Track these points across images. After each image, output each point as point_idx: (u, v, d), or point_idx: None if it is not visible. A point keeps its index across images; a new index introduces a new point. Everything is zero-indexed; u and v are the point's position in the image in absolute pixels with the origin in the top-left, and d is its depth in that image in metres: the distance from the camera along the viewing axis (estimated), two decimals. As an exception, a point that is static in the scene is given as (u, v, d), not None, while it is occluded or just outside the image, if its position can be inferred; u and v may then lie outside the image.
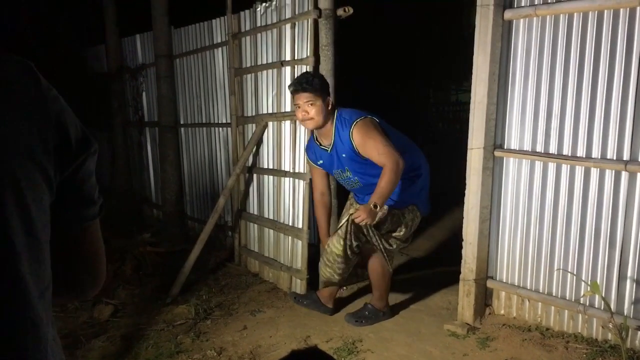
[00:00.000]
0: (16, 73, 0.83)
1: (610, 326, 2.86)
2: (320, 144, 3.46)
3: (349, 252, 3.43)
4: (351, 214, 3.33)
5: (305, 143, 3.89)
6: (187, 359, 3.32)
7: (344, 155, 3.34)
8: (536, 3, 3.12)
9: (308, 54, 3.95)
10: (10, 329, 0.78)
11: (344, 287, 4.28)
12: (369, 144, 3.23)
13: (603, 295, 2.96)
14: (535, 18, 3.15)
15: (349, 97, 4.48)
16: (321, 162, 3.51)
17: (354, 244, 3.43)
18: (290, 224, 4.31)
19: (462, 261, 3.54)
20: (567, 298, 3.24)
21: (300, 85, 3.31)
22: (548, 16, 3.10)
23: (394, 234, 3.54)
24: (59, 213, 0.87)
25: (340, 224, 3.48)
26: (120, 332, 3.74)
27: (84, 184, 0.91)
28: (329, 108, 3.33)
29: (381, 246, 3.49)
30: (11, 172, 0.77)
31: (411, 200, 3.51)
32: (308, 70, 3.92)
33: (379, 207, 3.17)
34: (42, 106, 0.84)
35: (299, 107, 3.33)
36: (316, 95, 3.28)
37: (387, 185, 3.14)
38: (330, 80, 3.93)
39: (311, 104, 3.29)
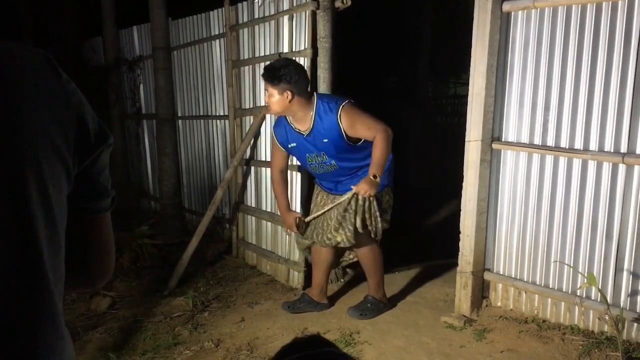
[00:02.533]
0: (38, 65, 0.84)
1: (607, 318, 2.87)
2: (294, 128, 3.47)
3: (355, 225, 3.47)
4: (354, 193, 3.39)
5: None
6: (185, 351, 3.32)
7: (325, 140, 3.37)
8: (535, -5, 3.12)
9: (306, 46, 3.94)
10: (33, 319, 0.80)
11: (342, 280, 4.29)
12: (358, 123, 3.31)
13: (600, 287, 2.97)
14: (533, 10, 3.14)
15: (349, 88, 4.45)
16: (293, 145, 3.52)
17: (358, 219, 3.46)
18: (287, 217, 4.31)
19: (460, 253, 3.55)
20: (564, 290, 3.25)
21: (263, 71, 3.39)
22: (546, 8, 3.09)
23: (383, 216, 3.60)
24: (74, 204, 0.88)
25: (338, 202, 3.49)
26: (118, 324, 3.75)
27: (99, 176, 0.93)
28: (290, 100, 3.30)
29: (379, 225, 3.52)
30: (36, 162, 0.79)
31: (387, 182, 3.58)
32: (306, 61, 3.91)
33: (378, 178, 3.28)
34: (63, 98, 0.85)
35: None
36: (273, 85, 3.30)
37: (382, 155, 3.29)
38: (328, 72, 3.93)
39: (269, 94, 3.35)
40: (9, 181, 0.76)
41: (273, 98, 3.33)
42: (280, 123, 3.56)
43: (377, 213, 3.49)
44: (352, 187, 3.39)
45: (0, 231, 0.76)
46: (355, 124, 3.32)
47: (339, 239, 3.52)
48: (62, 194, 0.84)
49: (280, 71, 3.28)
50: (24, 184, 0.77)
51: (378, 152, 3.30)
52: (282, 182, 3.71)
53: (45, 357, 0.81)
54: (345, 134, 3.33)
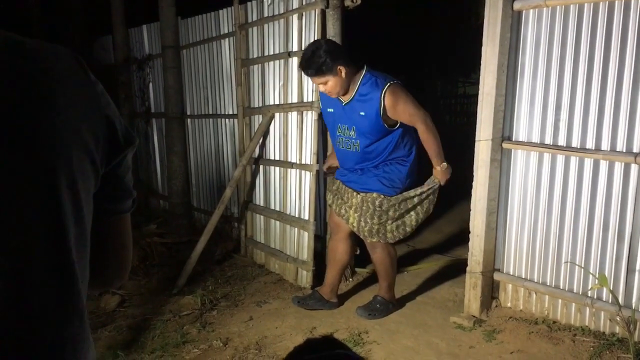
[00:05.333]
0: (69, 64, 0.85)
1: (618, 319, 2.85)
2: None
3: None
4: (435, 183, 3.47)
5: (313, 132, 3.92)
6: (193, 349, 3.33)
7: (362, 113, 3.32)
8: (546, -7, 3.09)
9: (315, 45, 3.92)
10: (61, 318, 0.80)
11: (350, 279, 4.28)
12: (400, 105, 3.28)
13: (611, 288, 2.94)
14: (545, 8, 3.12)
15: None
16: (331, 110, 3.51)
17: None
18: (296, 216, 4.31)
19: (469, 253, 3.53)
20: (575, 291, 3.22)
21: (305, 71, 3.31)
22: (558, 7, 3.07)
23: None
24: (98, 204, 0.89)
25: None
26: (127, 322, 3.76)
27: (124, 177, 0.94)
28: (344, 74, 3.26)
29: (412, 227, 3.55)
30: (68, 161, 0.79)
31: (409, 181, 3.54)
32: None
33: (443, 164, 3.41)
34: (92, 99, 0.86)
35: (315, 83, 3.35)
36: (323, 74, 3.24)
37: (434, 144, 3.37)
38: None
39: (323, 83, 3.29)
40: (41, 179, 0.77)
41: (330, 83, 3.27)
42: None
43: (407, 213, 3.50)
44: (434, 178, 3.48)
45: (32, 229, 0.76)
46: (398, 106, 3.27)
47: (351, 219, 3.52)
48: (89, 194, 0.85)
49: (321, 57, 3.21)
50: (56, 183, 0.78)
51: (429, 143, 3.36)
52: None
53: (72, 356, 0.82)
54: (384, 113, 3.28)
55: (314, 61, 3.22)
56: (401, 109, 3.28)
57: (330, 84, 3.27)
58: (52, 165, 0.77)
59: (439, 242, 5.35)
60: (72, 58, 0.86)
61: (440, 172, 3.44)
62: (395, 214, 3.47)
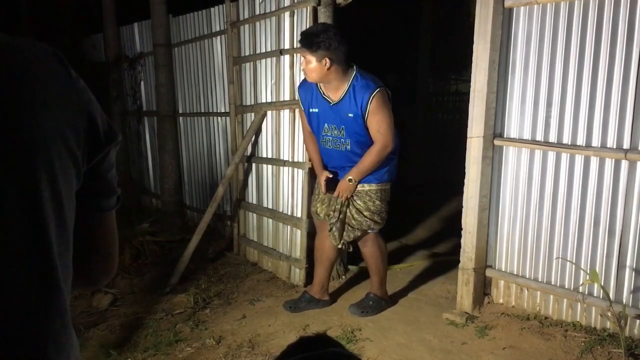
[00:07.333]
0: (48, 61, 0.84)
1: (609, 315, 2.86)
2: (323, 94, 3.41)
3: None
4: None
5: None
6: (186, 348, 3.32)
7: (350, 114, 3.31)
8: (537, -10, 3.10)
9: (307, 42, 3.91)
10: (43, 316, 0.80)
11: (343, 277, 4.29)
12: (378, 116, 3.27)
13: (602, 283, 2.96)
14: (536, 5, 3.13)
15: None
16: (315, 110, 3.46)
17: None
18: (289, 214, 4.31)
19: (461, 250, 3.54)
20: (566, 287, 3.24)
21: (301, 36, 3.26)
22: (549, 4, 3.08)
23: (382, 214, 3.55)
24: (81, 202, 0.88)
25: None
26: (119, 321, 3.75)
27: (107, 174, 0.93)
28: (328, 68, 3.23)
29: (372, 225, 3.52)
30: (49, 159, 0.78)
31: (389, 177, 3.54)
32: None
33: (354, 182, 3.36)
34: (73, 96, 0.85)
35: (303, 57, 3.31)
36: (311, 52, 3.20)
37: (369, 165, 3.34)
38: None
39: (306, 61, 3.26)
40: (21, 177, 0.76)
41: (311, 65, 3.24)
42: (309, 84, 3.45)
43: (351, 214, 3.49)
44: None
45: (12, 228, 0.75)
46: (375, 116, 3.26)
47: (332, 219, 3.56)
48: (71, 191, 0.84)
49: (319, 37, 3.17)
50: (36, 181, 0.77)
51: (367, 162, 3.33)
52: (313, 143, 3.61)
53: (54, 355, 0.81)
54: (367, 116, 3.28)
55: (313, 36, 3.19)
56: (375, 119, 3.28)
57: (311, 66, 3.24)
58: (32, 163, 0.77)
59: (431, 239, 5.36)
60: (52, 55, 0.85)
61: (345, 182, 3.40)
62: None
